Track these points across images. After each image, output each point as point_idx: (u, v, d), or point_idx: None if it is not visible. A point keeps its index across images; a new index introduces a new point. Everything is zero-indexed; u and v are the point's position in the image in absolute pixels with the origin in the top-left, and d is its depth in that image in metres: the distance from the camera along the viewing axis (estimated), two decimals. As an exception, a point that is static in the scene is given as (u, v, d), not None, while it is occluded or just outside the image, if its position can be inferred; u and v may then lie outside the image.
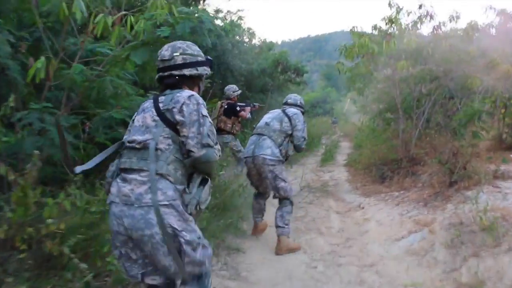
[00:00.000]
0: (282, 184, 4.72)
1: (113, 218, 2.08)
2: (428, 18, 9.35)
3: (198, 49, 2.43)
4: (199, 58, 2.38)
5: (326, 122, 30.95)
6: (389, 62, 9.22)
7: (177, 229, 2.01)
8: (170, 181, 2.08)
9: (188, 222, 2.11)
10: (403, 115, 9.40)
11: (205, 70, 2.42)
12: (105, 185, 2.31)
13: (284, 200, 4.80)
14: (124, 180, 2.10)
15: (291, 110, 5.05)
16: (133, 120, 2.32)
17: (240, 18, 16.60)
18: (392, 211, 6.44)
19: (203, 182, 2.23)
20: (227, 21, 15.55)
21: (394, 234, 5.38)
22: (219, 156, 2.25)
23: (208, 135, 2.13)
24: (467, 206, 5.22)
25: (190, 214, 2.15)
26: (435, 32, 9.40)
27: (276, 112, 5.15)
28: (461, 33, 9.59)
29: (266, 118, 5.07)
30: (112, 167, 2.26)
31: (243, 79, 15.32)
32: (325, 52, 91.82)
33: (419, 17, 9.48)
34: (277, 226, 4.72)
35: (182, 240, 2.03)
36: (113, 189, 2.14)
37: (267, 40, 20.18)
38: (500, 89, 10.44)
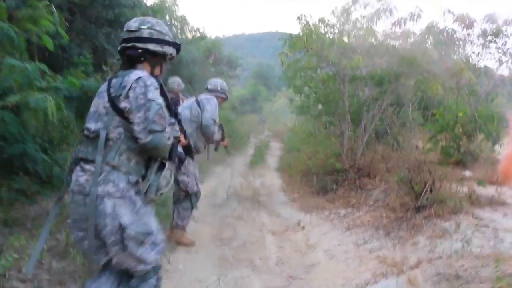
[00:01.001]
0: (182, 177, 4.42)
1: (72, 206, 2.10)
2: (387, 13, 8.11)
3: (168, 29, 2.30)
4: (166, 37, 2.24)
5: (253, 120, 29.69)
6: (339, 58, 7.87)
7: (123, 224, 1.99)
8: (123, 172, 2.04)
9: (140, 215, 2.06)
10: (350, 120, 8.09)
11: (170, 50, 2.25)
12: (67, 172, 2.20)
13: (186, 194, 4.51)
14: (82, 170, 2.08)
15: (203, 96, 4.66)
16: (92, 105, 2.21)
17: (175, 3, 14.68)
18: (343, 237, 5.03)
19: (161, 167, 2.14)
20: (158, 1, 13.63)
21: (354, 276, 3.94)
22: (172, 139, 2.11)
23: (154, 121, 1.96)
24: (448, 244, 3.93)
25: (151, 200, 2.13)
26: (393, 29, 8.20)
27: (191, 100, 4.78)
28: (419, 34, 8.48)
29: (180, 107, 4.66)
30: (74, 154, 2.20)
31: (169, 66, 13.48)
32: (257, 51, 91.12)
33: (377, 11, 8.21)
34: (175, 222, 4.56)
35: (126, 234, 1.99)
36: (73, 177, 2.11)
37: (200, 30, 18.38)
38: (451, 99, 9.67)
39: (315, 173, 8.31)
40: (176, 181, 4.37)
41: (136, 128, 1.96)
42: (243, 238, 5.12)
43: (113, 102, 2.02)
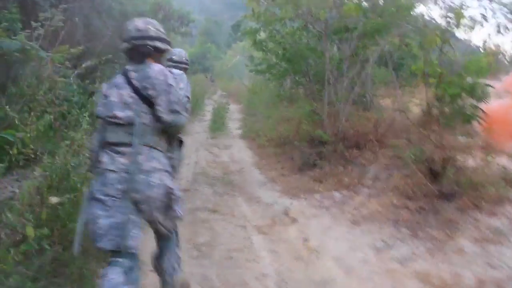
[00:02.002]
0: None
1: (108, 183, 2.20)
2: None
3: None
4: (165, 36, 2.51)
5: (203, 79, 27.95)
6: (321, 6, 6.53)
7: (171, 188, 2.31)
8: (160, 150, 2.34)
9: (175, 182, 2.45)
10: (330, 79, 6.85)
11: (168, 47, 2.52)
12: (91, 156, 2.47)
13: None
14: (117, 152, 2.24)
15: (175, 72, 4.03)
16: (105, 95, 2.35)
17: None
18: (353, 237, 3.91)
19: (181, 144, 2.63)
20: None
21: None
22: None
23: (176, 102, 2.30)
24: (509, 252, 2.87)
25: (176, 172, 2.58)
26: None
27: None
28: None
29: None
30: (95, 140, 2.42)
31: (113, 23, 11.63)
32: (204, 7, 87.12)
33: None
34: None
35: (173, 196, 2.32)
36: (105, 159, 2.25)
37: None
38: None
39: (291, 144, 7.13)
40: None
41: (159, 108, 2.26)
42: (225, 243, 3.88)
43: (140, 92, 2.26)
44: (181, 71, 4.36)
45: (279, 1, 6.95)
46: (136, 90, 2.26)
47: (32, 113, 6.20)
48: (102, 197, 2.20)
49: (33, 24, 6.34)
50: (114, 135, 2.27)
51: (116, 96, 2.29)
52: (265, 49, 10.49)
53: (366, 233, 3.90)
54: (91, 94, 10.20)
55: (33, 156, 5.92)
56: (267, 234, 4.20)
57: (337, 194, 5.09)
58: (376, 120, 6.61)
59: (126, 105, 2.26)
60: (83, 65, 6.52)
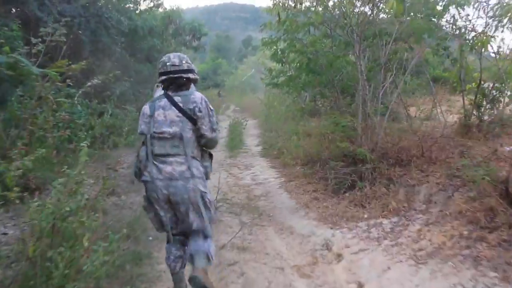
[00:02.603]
0: None
1: (157, 190, 2.71)
2: None
3: None
4: (194, 67, 2.99)
5: (215, 95, 27.42)
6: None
7: (205, 192, 2.79)
8: (198, 160, 2.83)
9: (208, 188, 2.90)
10: (365, 88, 6.10)
11: (197, 76, 3.00)
12: (138, 167, 2.84)
13: None
14: (164, 163, 2.72)
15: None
16: (150, 115, 2.82)
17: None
18: (422, 280, 3.12)
19: (211, 157, 3.05)
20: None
21: None
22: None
23: (216, 123, 2.87)
24: None
25: (208, 179, 2.97)
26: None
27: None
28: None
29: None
30: (143, 153, 2.81)
31: (123, 39, 11.09)
32: (214, 24, 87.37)
33: None
34: None
35: (207, 200, 2.82)
36: (152, 169, 2.72)
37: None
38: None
39: (322, 162, 6.36)
40: None
41: (204, 127, 2.78)
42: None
43: (186, 112, 2.76)
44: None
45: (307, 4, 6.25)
46: (182, 111, 2.75)
47: (31, 138, 5.59)
48: (155, 201, 2.76)
49: (33, 40, 5.74)
50: (162, 148, 2.74)
51: (162, 115, 2.79)
52: (284, 60, 9.85)
53: (437, 275, 3.10)
54: (100, 115, 9.59)
55: (34, 187, 5.24)
56: (310, 278, 3.43)
57: (386, 222, 4.30)
58: (420, 132, 5.83)
59: (172, 123, 2.75)
60: (88, 84, 5.86)
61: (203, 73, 38.54)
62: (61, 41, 5.83)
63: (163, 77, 2.88)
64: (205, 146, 2.90)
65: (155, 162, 2.72)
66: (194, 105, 2.75)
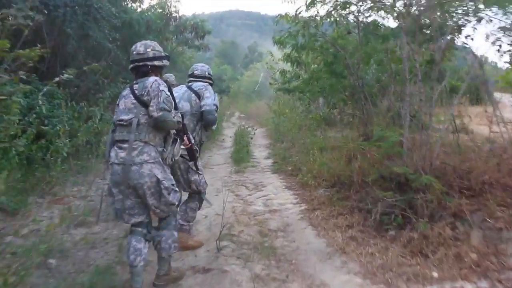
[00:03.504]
0: (194, 176, 3.89)
1: (114, 174, 2.82)
2: None
3: (161, 48, 3.10)
4: (163, 54, 3.05)
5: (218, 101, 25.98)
6: None
7: (159, 179, 2.81)
8: (152, 145, 2.85)
9: (166, 173, 2.93)
10: (419, 92, 4.69)
11: (166, 62, 3.07)
12: (105, 152, 3.01)
13: (193, 194, 4.02)
14: (120, 148, 2.83)
15: (198, 85, 4.13)
16: (118, 104, 2.96)
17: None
18: None
19: (174, 142, 3.02)
20: None
21: None
22: (179, 121, 2.98)
23: (164, 102, 2.81)
24: None
25: (169, 164, 3.01)
26: None
27: (181, 89, 4.17)
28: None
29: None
30: (108, 139, 2.97)
31: (117, 36, 9.70)
32: (220, 30, 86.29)
33: None
34: (180, 224, 3.84)
35: (162, 186, 2.82)
36: (112, 154, 2.86)
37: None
38: None
39: (353, 185, 4.94)
40: (188, 181, 3.91)
41: (151, 108, 2.78)
42: None
43: (139, 98, 2.82)
44: (205, 83, 4.18)
45: None
46: (137, 97, 2.84)
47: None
48: (113, 184, 2.87)
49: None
50: (119, 134, 2.87)
51: (123, 104, 2.90)
52: (300, 61, 8.46)
53: None
54: (88, 119, 8.19)
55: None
56: None
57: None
58: (484, 150, 4.41)
59: (129, 110, 2.85)
60: (56, 79, 4.44)
61: (208, 79, 37.19)
62: (24, 24, 4.40)
63: (131, 66, 3.01)
64: (156, 127, 2.86)
65: (115, 147, 2.86)
66: (146, 89, 2.81)
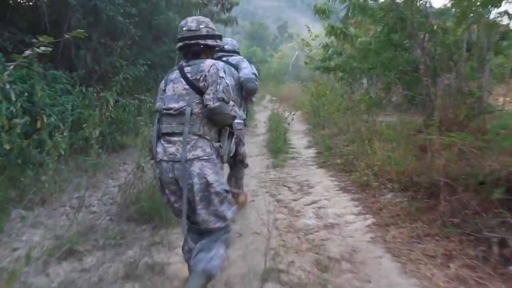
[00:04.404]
0: (242, 148, 4.05)
1: (164, 172, 2.35)
2: None
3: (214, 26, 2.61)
4: (216, 32, 2.57)
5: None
6: None
7: (209, 181, 2.25)
8: (207, 139, 2.33)
9: (220, 175, 2.37)
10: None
11: (220, 43, 2.61)
12: (150, 146, 2.48)
13: (238, 164, 4.11)
14: (169, 142, 2.35)
15: (234, 58, 3.98)
16: (164, 90, 2.47)
17: None
18: None
19: (230, 136, 2.50)
20: None
21: None
22: (234, 116, 2.39)
23: (223, 91, 2.30)
24: None
25: (224, 162, 2.48)
26: None
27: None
28: None
29: None
30: (153, 132, 2.46)
31: (133, 10, 8.48)
32: (247, 12, 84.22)
33: None
34: (232, 192, 3.68)
35: (212, 190, 2.27)
36: (159, 149, 2.38)
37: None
38: None
39: (446, 190, 3.55)
40: (235, 153, 3.82)
41: (207, 96, 2.28)
42: None
43: (193, 83, 2.34)
44: (240, 57, 4.02)
45: None
46: (189, 82, 2.35)
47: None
48: (163, 184, 2.40)
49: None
50: (168, 126, 2.37)
51: (171, 90, 2.41)
52: (348, 32, 7.01)
53: None
54: (100, 106, 7.02)
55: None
56: None
57: None
58: None
59: (180, 97, 2.36)
60: (28, 52, 3.23)
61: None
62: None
63: (179, 44, 2.50)
64: (211, 120, 2.33)
65: (162, 142, 2.40)
66: (201, 74, 2.35)
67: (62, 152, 4.63)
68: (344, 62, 7.45)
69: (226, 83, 2.35)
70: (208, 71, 2.33)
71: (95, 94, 6.84)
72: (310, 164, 6.16)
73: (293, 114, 9.15)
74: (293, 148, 7.63)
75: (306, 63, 12.39)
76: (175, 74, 2.45)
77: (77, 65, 8.01)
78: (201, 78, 2.32)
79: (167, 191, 2.40)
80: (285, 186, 5.00)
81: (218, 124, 2.38)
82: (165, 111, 2.39)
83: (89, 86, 7.18)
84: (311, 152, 7.10)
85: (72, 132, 5.56)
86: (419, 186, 4.00)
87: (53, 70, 6.36)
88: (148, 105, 9.06)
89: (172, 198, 2.40)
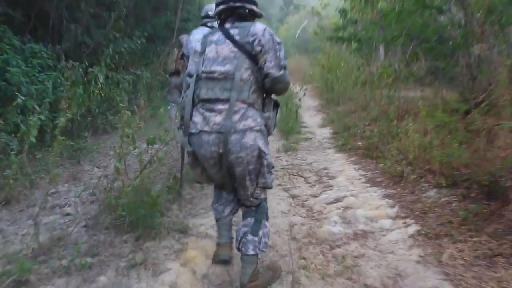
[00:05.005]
0: None
1: (203, 145, 2.04)
2: None
3: None
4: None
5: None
6: None
7: (263, 152, 2.05)
8: (256, 109, 2.07)
9: (268, 146, 2.16)
10: None
11: (261, 12, 2.25)
12: (181, 116, 2.16)
13: None
14: (211, 110, 2.02)
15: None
16: (201, 52, 2.13)
17: None
18: None
19: (276, 106, 2.23)
20: None
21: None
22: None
23: (284, 59, 2.08)
24: None
25: (270, 134, 2.21)
26: None
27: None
28: None
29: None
30: (187, 98, 2.11)
31: None
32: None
33: None
34: None
35: (265, 161, 2.08)
36: (197, 119, 2.06)
37: None
38: None
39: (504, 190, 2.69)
40: None
41: (268, 64, 2.01)
42: None
43: (243, 46, 2.03)
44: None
45: None
46: (239, 45, 2.04)
47: None
48: (202, 157, 2.10)
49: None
50: (210, 91, 2.05)
51: (214, 52, 2.09)
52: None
53: None
54: (88, 83, 6.12)
55: None
56: None
57: None
58: None
59: (225, 60, 2.05)
60: None
61: (242, 34, 34.67)
62: None
63: (222, 7, 2.15)
64: (271, 89, 2.11)
65: (201, 110, 2.06)
66: (254, 37, 2.01)
67: (33, 140, 3.81)
68: (366, 29, 6.47)
69: (283, 48, 2.10)
70: (263, 35, 2.04)
71: (81, 70, 5.98)
72: (327, 147, 5.31)
73: (305, 89, 8.23)
74: (305, 127, 6.77)
75: (316, 33, 11.36)
76: (218, 35, 2.14)
77: (67, 38, 7.17)
78: (256, 42, 2.02)
79: (205, 165, 2.14)
80: (300, 176, 4.15)
81: (278, 93, 2.21)
82: (205, 75, 2.08)
83: (81, 61, 6.36)
84: (326, 132, 6.23)
85: (56, 113, 4.77)
86: (470, 182, 3.15)
87: (33, 43, 5.49)
88: (144, 81, 8.21)
89: (213, 171, 2.14)
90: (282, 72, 2.04)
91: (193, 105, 2.11)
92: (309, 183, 3.94)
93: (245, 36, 2.04)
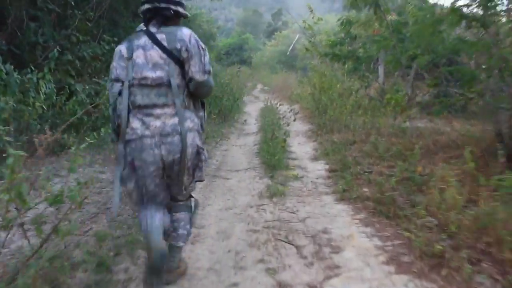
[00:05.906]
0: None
1: (146, 150, 2.03)
2: None
3: None
4: (184, 1, 2.31)
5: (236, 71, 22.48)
6: None
7: (201, 148, 2.18)
8: (191, 111, 2.17)
9: (203, 143, 2.28)
10: None
11: (187, 13, 2.31)
12: (116, 123, 2.12)
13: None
14: (150, 115, 2.06)
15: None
16: (128, 57, 2.09)
17: None
18: None
19: (203, 106, 2.32)
20: None
21: None
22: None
23: (208, 64, 2.15)
24: None
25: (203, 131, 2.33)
26: None
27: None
28: None
29: None
30: (120, 105, 2.09)
31: None
32: (241, 0, 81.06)
33: None
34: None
35: (202, 157, 2.20)
36: (136, 124, 2.06)
37: None
38: None
39: None
40: None
41: (193, 69, 2.08)
42: None
43: (171, 52, 2.06)
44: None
45: None
46: (167, 51, 2.07)
47: None
48: (141, 163, 2.06)
49: None
50: (145, 97, 2.08)
51: (143, 57, 2.09)
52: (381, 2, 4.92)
53: None
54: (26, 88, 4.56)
55: None
56: None
57: None
58: None
59: (156, 66, 2.08)
60: None
61: (229, 47, 33.67)
62: None
63: (147, 6, 2.14)
64: (195, 93, 2.19)
65: (139, 116, 2.08)
66: (182, 43, 2.08)
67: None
68: (367, 46, 5.31)
69: (207, 53, 2.17)
70: (189, 41, 2.10)
71: (18, 76, 4.73)
72: (323, 192, 4.06)
73: (295, 114, 7.00)
74: (294, 159, 5.53)
75: (307, 49, 10.23)
76: (144, 39, 2.11)
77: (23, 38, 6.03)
78: (183, 49, 2.07)
79: (144, 173, 2.06)
80: (290, 244, 2.89)
81: (202, 96, 2.28)
82: (137, 81, 2.07)
83: (37, 67, 5.21)
84: (321, 168, 4.99)
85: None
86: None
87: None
88: (106, 92, 7.02)
89: (148, 181, 2.07)
90: (206, 77, 2.13)
91: (128, 111, 2.08)
92: (304, 257, 2.67)
93: (172, 42, 2.06)
